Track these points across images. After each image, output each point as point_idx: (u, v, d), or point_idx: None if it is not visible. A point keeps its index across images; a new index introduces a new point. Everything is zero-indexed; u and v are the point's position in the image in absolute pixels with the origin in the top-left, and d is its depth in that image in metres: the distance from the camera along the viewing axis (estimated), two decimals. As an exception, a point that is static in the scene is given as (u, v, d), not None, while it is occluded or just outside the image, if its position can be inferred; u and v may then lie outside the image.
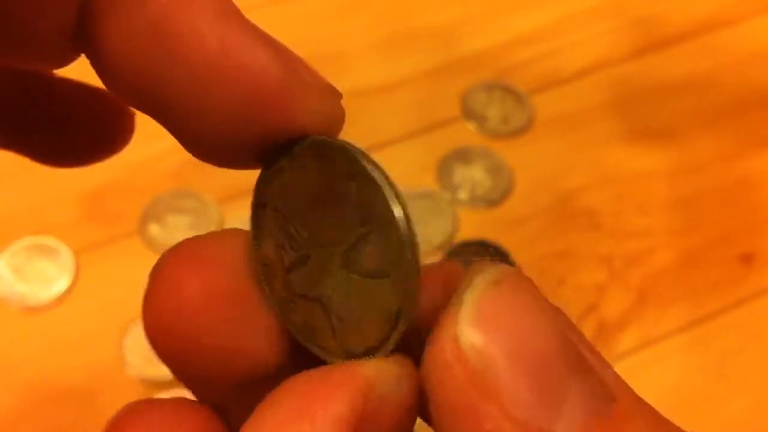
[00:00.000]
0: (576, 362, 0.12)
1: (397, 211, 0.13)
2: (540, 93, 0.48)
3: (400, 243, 0.13)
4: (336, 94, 0.15)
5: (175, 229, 0.41)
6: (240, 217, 0.41)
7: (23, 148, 0.18)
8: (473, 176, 0.44)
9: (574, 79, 0.49)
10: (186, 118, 0.14)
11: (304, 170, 0.14)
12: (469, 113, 0.47)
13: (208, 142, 0.14)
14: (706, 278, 0.42)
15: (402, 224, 0.13)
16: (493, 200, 0.44)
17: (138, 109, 0.15)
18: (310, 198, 0.14)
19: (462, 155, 0.45)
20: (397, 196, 0.13)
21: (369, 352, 0.14)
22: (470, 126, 0.47)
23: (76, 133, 0.19)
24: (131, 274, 0.40)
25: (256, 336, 0.14)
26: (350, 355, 0.14)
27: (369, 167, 0.13)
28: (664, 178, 0.46)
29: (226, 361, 0.14)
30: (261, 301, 0.14)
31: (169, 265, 0.14)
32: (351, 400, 0.12)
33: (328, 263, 0.14)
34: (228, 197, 0.42)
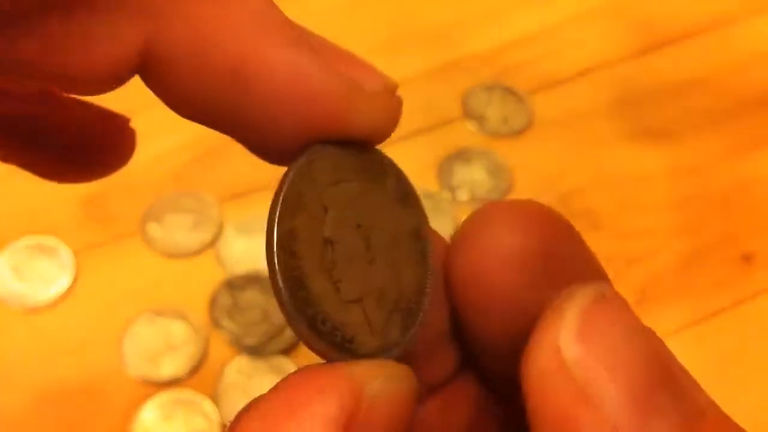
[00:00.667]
0: (669, 378, 0.13)
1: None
2: (540, 93, 0.48)
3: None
4: (392, 90, 0.16)
5: (175, 229, 0.41)
6: (240, 217, 0.41)
7: (23, 162, 0.19)
8: (473, 176, 0.44)
9: (574, 79, 0.49)
10: (251, 133, 0.15)
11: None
12: (469, 113, 0.47)
13: (271, 150, 0.15)
14: (707, 278, 0.42)
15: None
16: (493, 201, 0.44)
17: (197, 122, 0.15)
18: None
19: (462, 155, 0.45)
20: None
21: (380, 352, 0.14)
22: (470, 126, 0.47)
23: (77, 149, 0.19)
24: (131, 274, 0.40)
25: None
26: (356, 355, 0.14)
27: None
28: (664, 178, 0.46)
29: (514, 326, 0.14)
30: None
31: (497, 216, 0.15)
32: (339, 400, 0.13)
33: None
34: (228, 197, 0.42)
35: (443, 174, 0.44)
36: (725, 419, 0.13)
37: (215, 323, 0.38)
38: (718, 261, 0.43)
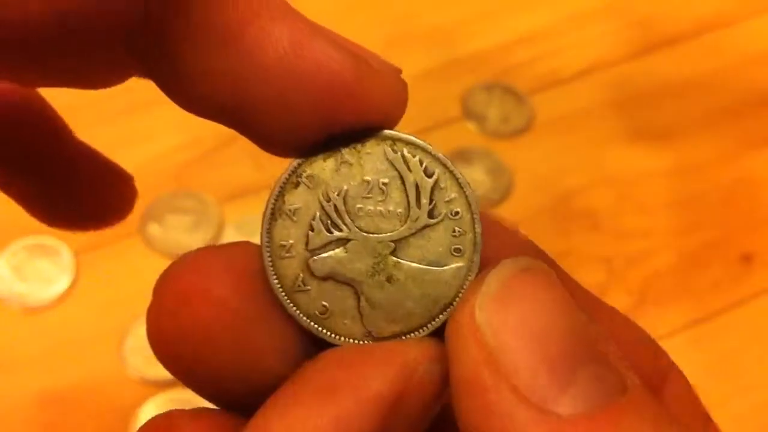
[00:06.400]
0: (590, 352, 0.12)
1: (477, 211, 0.14)
2: (540, 93, 0.48)
3: (474, 240, 0.14)
4: (398, 72, 0.15)
5: (175, 229, 0.41)
6: (240, 217, 0.41)
7: (22, 195, 0.18)
8: (473, 176, 0.44)
9: (574, 79, 0.49)
10: (264, 121, 0.14)
11: (370, 160, 0.14)
12: (469, 113, 0.47)
13: (281, 138, 0.14)
14: (706, 278, 0.42)
15: (479, 224, 0.14)
16: (493, 200, 0.44)
17: (209, 118, 0.15)
18: (368, 187, 0.14)
19: (462, 155, 0.45)
20: (476, 198, 0.14)
21: (398, 337, 0.14)
22: (470, 126, 0.47)
23: (77, 194, 0.19)
24: (131, 274, 0.40)
25: (263, 350, 0.14)
26: (375, 339, 0.14)
27: (453, 168, 0.14)
28: (664, 178, 0.46)
29: (232, 375, 0.14)
30: (269, 314, 0.14)
31: (178, 277, 0.14)
32: (393, 378, 0.13)
33: (372, 249, 0.14)
34: (228, 197, 0.42)
35: (443, 174, 0.44)
36: (647, 401, 0.12)
37: (215, 323, 0.38)
38: (718, 261, 0.43)
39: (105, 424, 0.36)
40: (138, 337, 0.38)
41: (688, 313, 0.41)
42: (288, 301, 0.14)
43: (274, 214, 0.14)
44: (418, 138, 0.15)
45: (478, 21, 0.52)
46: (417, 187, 0.14)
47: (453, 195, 0.14)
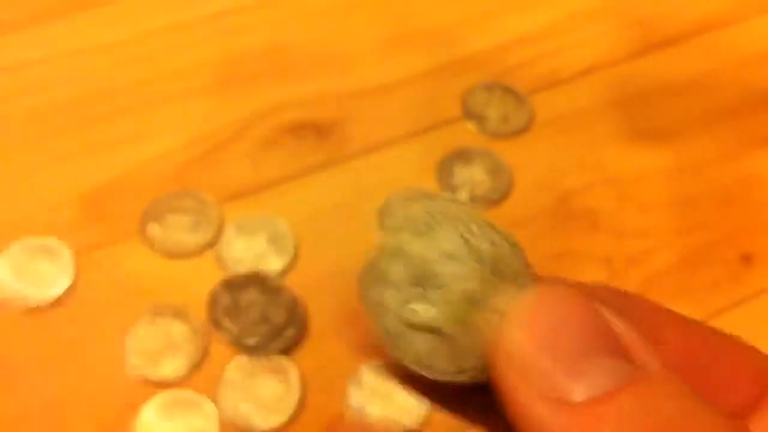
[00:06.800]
0: (605, 346, 0.15)
1: (530, 268, 0.18)
2: (540, 93, 0.48)
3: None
4: None
5: (175, 229, 0.41)
6: (240, 217, 0.41)
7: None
8: (473, 176, 0.44)
9: (574, 79, 0.49)
10: None
11: (443, 232, 0.18)
12: (469, 113, 0.47)
13: None
14: (706, 278, 0.42)
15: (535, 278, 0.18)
16: (493, 200, 0.44)
17: None
18: (445, 254, 0.18)
19: (462, 155, 0.45)
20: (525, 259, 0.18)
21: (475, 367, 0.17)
22: (470, 126, 0.47)
23: None
24: (131, 274, 0.40)
25: None
26: (462, 370, 0.17)
27: (509, 236, 0.18)
28: (664, 178, 0.46)
29: None
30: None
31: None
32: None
33: (452, 302, 0.17)
34: (228, 197, 0.42)
35: (443, 174, 0.44)
36: (670, 382, 0.15)
37: (215, 323, 0.38)
38: (717, 261, 0.43)
39: (105, 424, 0.36)
40: (138, 337, 0.38)
41: (688, 313, 0.40)
42: (391, 348, 0.18)
43: (371, 279, 0.18)
44: (478, 212, 0.18)
45: (478, 21, 0.52)
46: (481, 252, 0.18)
47: (512, 258, 0.18)
